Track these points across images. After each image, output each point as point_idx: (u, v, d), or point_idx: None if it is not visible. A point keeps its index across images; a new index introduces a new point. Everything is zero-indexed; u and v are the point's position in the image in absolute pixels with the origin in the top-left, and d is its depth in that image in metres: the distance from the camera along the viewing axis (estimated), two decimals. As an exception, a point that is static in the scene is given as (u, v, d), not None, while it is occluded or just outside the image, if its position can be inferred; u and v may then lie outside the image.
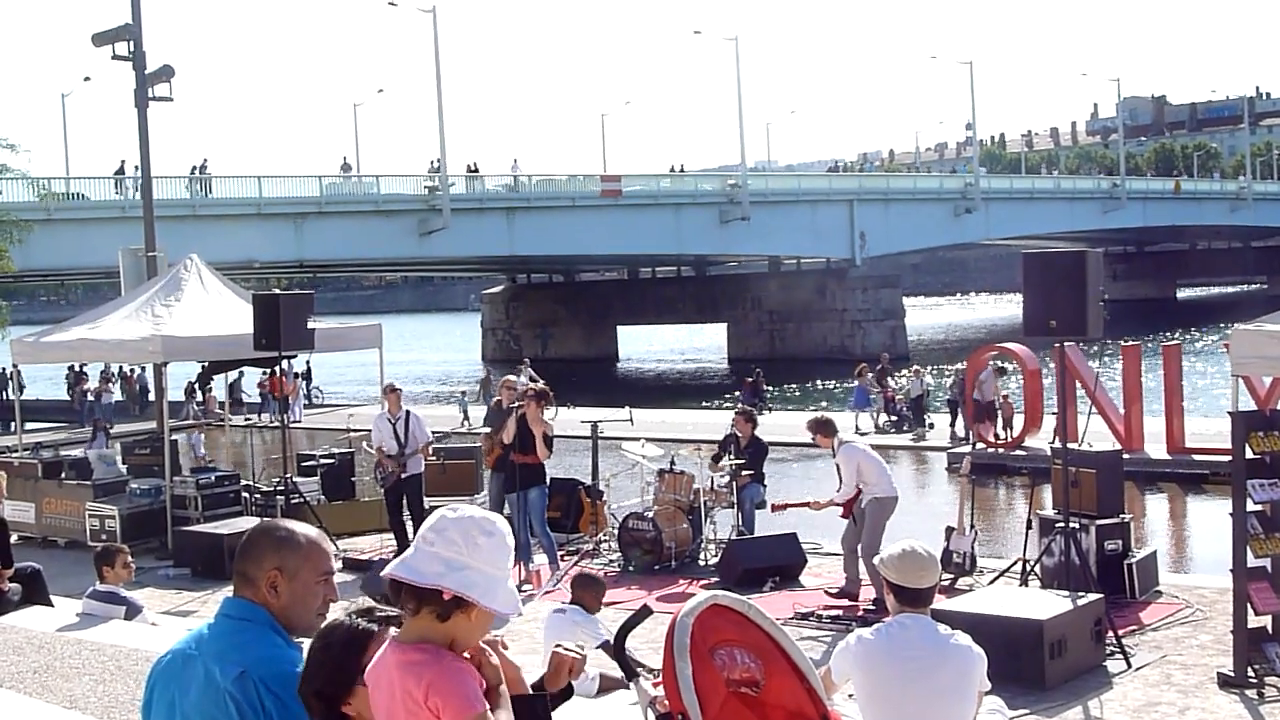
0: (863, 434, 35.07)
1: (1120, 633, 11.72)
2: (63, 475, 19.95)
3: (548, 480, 16.19)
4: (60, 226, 49.19)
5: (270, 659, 3.56)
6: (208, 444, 43.32)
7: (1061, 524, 12.74)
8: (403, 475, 17.07)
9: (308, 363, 52.75)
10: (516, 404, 15.83)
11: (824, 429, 14.34)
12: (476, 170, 68.27)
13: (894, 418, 37.70)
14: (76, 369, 55.39)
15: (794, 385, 56.76)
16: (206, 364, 22.45)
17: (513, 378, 18.37)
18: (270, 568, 3.65)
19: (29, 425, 39.56)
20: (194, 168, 58.06)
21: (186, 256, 21.66)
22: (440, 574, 3.23)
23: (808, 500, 15.24)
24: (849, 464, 13.95)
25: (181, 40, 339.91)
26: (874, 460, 14.17)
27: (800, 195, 76.86)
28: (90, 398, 53.13)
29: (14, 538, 12.08)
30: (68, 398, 58.11)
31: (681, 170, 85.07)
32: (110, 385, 54.80)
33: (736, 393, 47.77)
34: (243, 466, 25.88)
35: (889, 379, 39.87)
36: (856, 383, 39.39)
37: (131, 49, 24.12)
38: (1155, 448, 26.86)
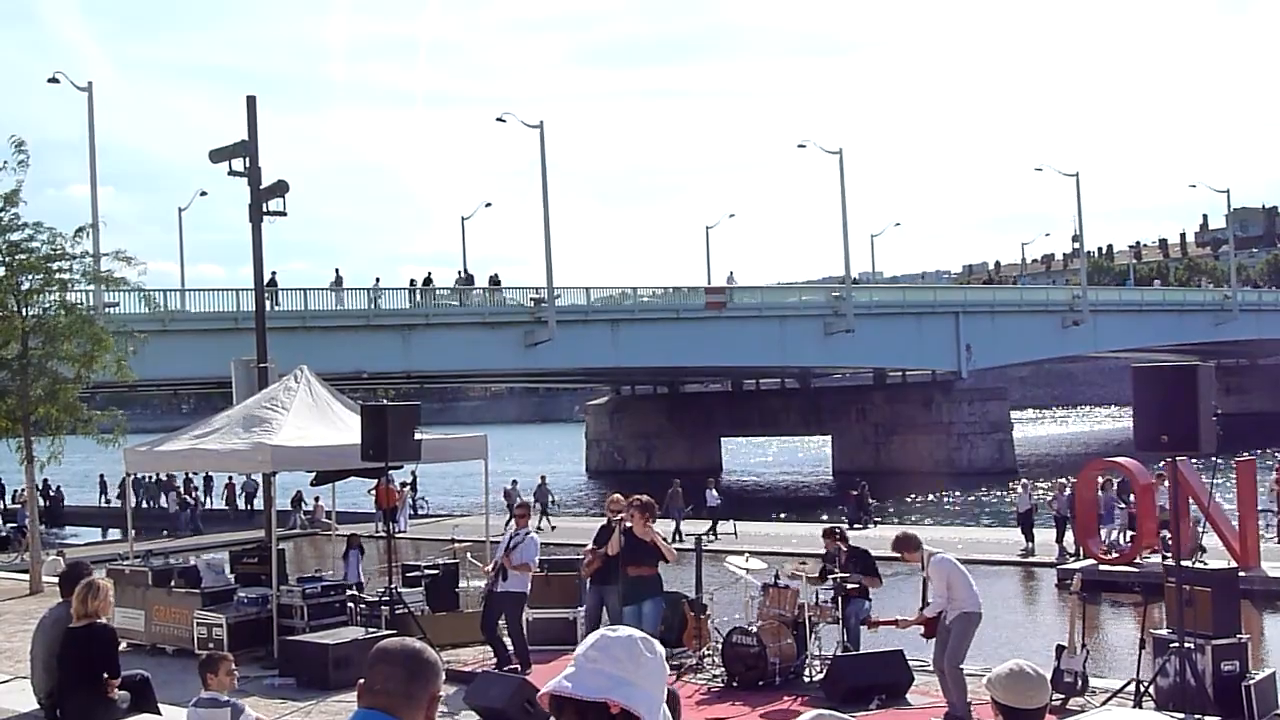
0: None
1: (1239, 758, 11.38)
2: (172, 583, 20.14)
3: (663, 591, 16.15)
4: (175, 337, 50.26)
5: None
6: (314, 553, 43.77)
7: (1176, 644, 12.45)
8: (496, 589, 17.05)
9: (413, 473, 53.15)
10: (620, 516, 15.83)
11: (910, 544, 14.23)
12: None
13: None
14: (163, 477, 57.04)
15: (904, 497, 56.26)
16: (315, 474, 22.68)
17: (619, 496, 18.31)
18: (436, 690, 3.75)
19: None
20: (332, 280, 59.32)
21: (296, 367, 21.97)
22: (607, 688, 3.17)
23: (895, 618, 15.07)
24: (941, 577, 13.74)
25: (291, 151, 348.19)
26: (963, 574, 13.96)
27: (905, 307, 76.78)
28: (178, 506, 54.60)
29: (123, 645, 12.20)
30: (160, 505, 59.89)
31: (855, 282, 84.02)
32: (191, 494, 56.15)
33: (841, 506, 47.44)
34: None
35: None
36: (1101, 494, 34.07)
37: (247, 165, 24.68)
38: (1272, 565, 26.25)
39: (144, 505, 60.67)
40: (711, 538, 39.36)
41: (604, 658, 3.23)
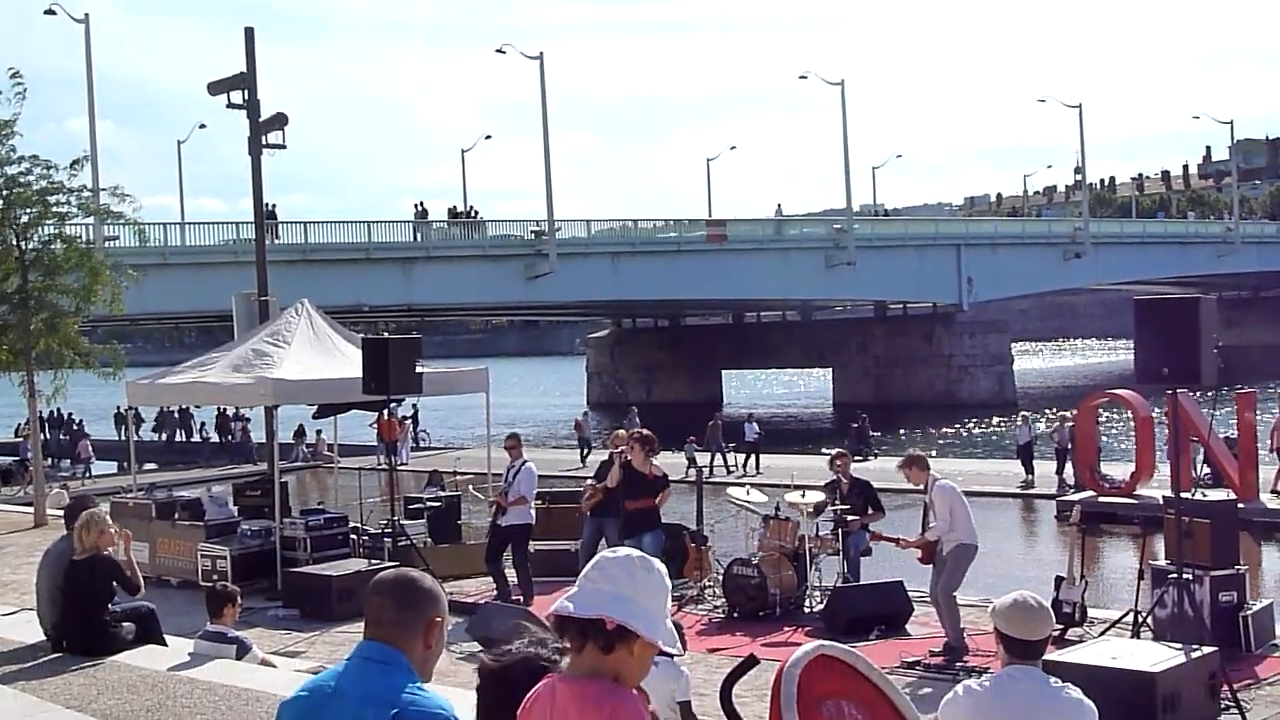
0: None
1: (1235, 687, 11.44)
2: (176, 516, 20.20)
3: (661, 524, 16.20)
4: (175, 271, 50.22)
5: (423, 703, 3.59)
6: (316, 486, 43.85)
7: (1174, 575, 12.50)
8: (500, 522, 17.13)
9: (415, 406, 53.18)
10: (620, 449, 15.85)
11: (917, 463, 14.21)
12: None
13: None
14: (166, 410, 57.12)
15: (902, 431, 56.33)
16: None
17: (621, 432, 18.30)
18: (433, 616, 3.74)
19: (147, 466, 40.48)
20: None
21: (298, 301, 21.94)
22: (603, 606, 3.30)
23: (898, 536, 15.16)
24: (944, 502, 13.78)
25: (291, 84, 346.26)
26: (964, 503, 14.00)
27: (906, 240, 76.59)
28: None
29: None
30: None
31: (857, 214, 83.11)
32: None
33: (844, 439, 47.46)
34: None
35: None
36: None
37: (246, 98, 24.53)
38: (1271, 497, 26.31)
39: (173, 438, 61.02)
40: (754, 471, 39.96)
41: (602, 577, 3.36)
